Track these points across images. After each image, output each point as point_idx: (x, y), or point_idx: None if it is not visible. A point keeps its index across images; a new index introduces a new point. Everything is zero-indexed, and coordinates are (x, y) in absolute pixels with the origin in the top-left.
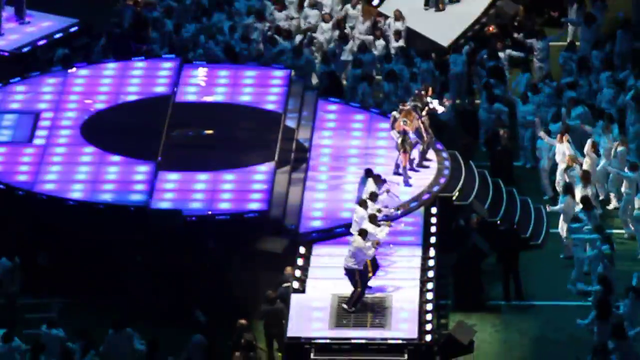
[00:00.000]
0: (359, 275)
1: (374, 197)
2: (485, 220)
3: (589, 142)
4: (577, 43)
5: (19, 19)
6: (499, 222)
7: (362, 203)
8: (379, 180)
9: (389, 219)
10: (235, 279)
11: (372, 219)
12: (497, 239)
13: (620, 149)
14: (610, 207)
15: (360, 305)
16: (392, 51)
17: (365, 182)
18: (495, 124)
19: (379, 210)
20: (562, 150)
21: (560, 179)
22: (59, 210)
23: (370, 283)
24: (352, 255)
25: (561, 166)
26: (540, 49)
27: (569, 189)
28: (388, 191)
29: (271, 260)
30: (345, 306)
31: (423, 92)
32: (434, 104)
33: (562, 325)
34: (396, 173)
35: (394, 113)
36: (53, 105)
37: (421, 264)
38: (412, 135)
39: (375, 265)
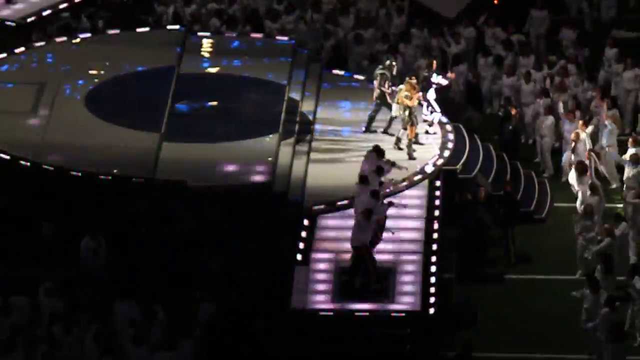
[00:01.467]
0: (366, 250)
1: (380, 171)
2: (492, 195)
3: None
4: None
5: None
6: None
7: (363, 179)
8: (383, 157)
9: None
10: (239, 249)
11: (374, 194)
12: (496, 204)
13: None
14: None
15: (364, 278)
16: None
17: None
18: (506, 102)
19: (381, 183)
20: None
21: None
22: (63, 181)
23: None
24: (357, 230)
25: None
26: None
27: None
28: (394, 164)
29: (274, 231)
30: (357, 280)
31: (426, 66)
32: (438, 78)
33: (566, 299)
34: (397, 147)
35: (379, 71)
36: (57, 75)
37: (425, 237)
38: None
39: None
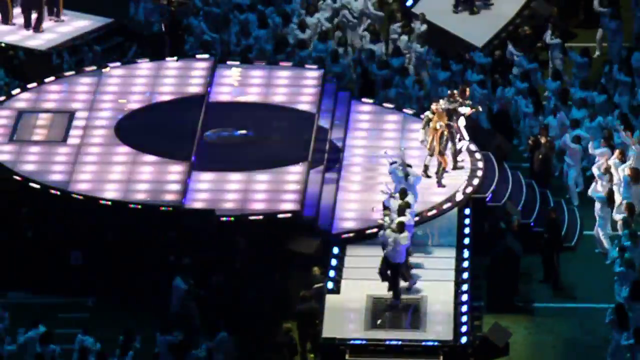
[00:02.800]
0: (404, 267)
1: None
2: (528, 224)
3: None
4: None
5: (55, 17)
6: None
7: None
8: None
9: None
10: (268, 279)
11: (401, 211)
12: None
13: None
14: None
15: (396, 308)
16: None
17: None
18: (539, 131)
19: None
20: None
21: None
22: (93, 209)
23: (404, 284)
24: (393, 249)
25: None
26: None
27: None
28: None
29: (304, 261)
30: (395, 302)
31: (456, 93)
32: (465, 109)
33: (596, 328)
34: (426, 175)
35: (427, 114)
36: (87, 105)
37: (455, 265)
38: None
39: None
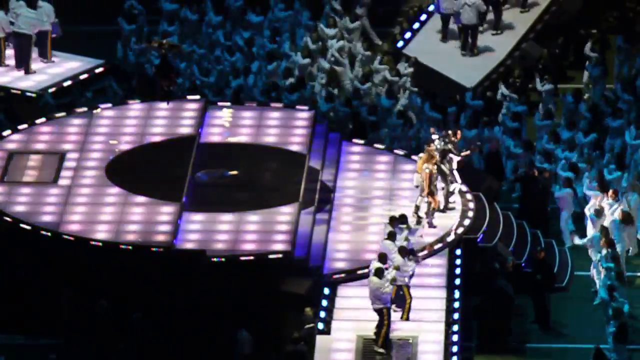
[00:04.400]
0: (387, 313)
1: (392, 236)
2: (520, 265)
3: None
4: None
5: (45, 59)
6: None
7: (381, 257)
8: (395, 222)
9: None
10: (259, 320)
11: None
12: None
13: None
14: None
15: (388, 347)
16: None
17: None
18: (531, 165)
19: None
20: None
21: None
22: (84, 250)
23: (395, 325)
24: (374, 296)
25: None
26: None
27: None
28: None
29: (295, 301)
30: (380, 350)
31: (451, 134)
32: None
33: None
34: (417, 216)
35: (421, 155)
36: (78, 145)
37: (446, 306)
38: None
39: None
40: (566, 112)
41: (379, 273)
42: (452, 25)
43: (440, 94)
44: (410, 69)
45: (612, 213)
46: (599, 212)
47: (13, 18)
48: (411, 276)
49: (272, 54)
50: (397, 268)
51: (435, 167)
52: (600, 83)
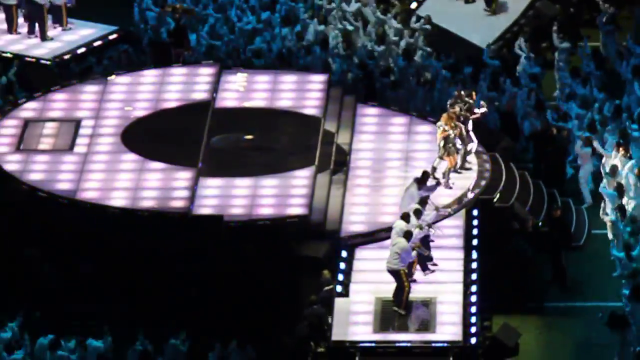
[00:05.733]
0: (405, 275)
1: (418, 214)
2: (537, 226)
3: None
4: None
5: (60, 25)
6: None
7: (405, 217)
8: (424, 184)
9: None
10: (277, 284)
11: (407, 235)
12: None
13: None
14: None
15: (407, 307)
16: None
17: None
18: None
19: (421, 227)
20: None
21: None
22: (101, 218)
23: (414, 286)
24: (395, 256)
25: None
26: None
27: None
28: (437, 209)
29: (313, 265)
30: (400, 310)
31: (464, 94)
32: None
33: (606, 327)
34: (433, 177)
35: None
36: (94, 113)
37: (464, 267)
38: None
39: (423, 264)
40: (582, 68)
41: (407, 235)
42: None
43: (455, 54)
44: (426, 26)
45: (626, 169)
46: (614, 170)
47: None
48: (425, 237)
49: (288, 17)
50: (421, 227)
51: (454, 128)
52: (612, 39)
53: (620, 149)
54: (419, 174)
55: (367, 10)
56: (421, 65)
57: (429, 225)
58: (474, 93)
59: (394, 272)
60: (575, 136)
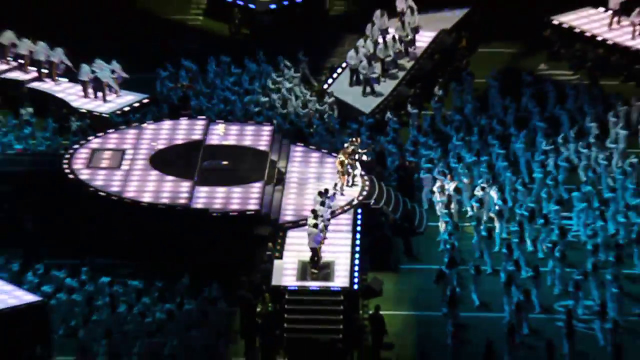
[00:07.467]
0: (316, 249)
1: (323, 203)
2: (396, 220)
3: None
4: None
5: (115, 94)
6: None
7: (314, 212)
8: (325, 196)
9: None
10: (241, 251)
11: (315, 226)
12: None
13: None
14: None
15: (317, 268)
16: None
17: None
18: (402, 159)
19: (316, 225)
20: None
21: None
22: (136, 209)
23: (321, 255)
24: (310, 239)
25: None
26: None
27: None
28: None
29: (262, 240)
30: (314, 270)
31: (354, 140)
32: (362, 154)
33: (432, 279)
34: (333, 189)
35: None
36: (132, 146)
37: (351, 243)
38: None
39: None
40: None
41: (315, 225)
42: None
43: (349, 115)
44: (331, 99)
45: (448, 189)
46: (442, 189)
47: (96, 68)
48: (326, 226)
49: (248, 91)
50: (315, 226)
51: (346, 159)
52: (439, 110)
53: (448, 176)
54: (325, 187)
55: (296, 88)
56: (328, 122)
57: (324, 223)
58: (359, 139)
59: (311, 249)
60: (421, 168)
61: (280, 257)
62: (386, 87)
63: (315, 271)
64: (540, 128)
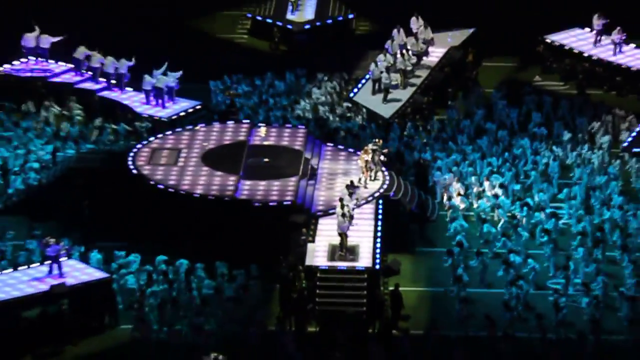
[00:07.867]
0: (343, 235)
1: (351, 194)
2: (412, 209)
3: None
4: None
5: (171, 100)
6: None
7: (340, 200)
8: (351, 188)
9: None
10: (280, 235)
11: (342, 206)
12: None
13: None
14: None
15: (344, 250)
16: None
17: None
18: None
19: (344, 215)
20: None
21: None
22: (189, 199)
23: (348, 240)
24: (338, 226)
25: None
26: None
27: None
28: (357, 200)
29: (297, 226)
30: (341, 252)
31: (379, 141)
32: (381, 154)
33: (443, 260)
34: (359, 182)
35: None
36: (187, 145)
37: (374, 228)
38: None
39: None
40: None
41: (343, 215)
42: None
43: (374, 120)
44: (350, 105)
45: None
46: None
47: (155, 80)
48: (352, 217)
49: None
50: (343, 215)
51: (369, 157)
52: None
53: (456, 177)
54: (352, 181)
55: (322, 98)
56: (352, 124)
57: (350, 212)
58: (381, 140)
59: (339, 234)
60: (433, 166)
61: (313, 241)
62: (404, 94)
63: (343, 253)
64: (538, 133)
